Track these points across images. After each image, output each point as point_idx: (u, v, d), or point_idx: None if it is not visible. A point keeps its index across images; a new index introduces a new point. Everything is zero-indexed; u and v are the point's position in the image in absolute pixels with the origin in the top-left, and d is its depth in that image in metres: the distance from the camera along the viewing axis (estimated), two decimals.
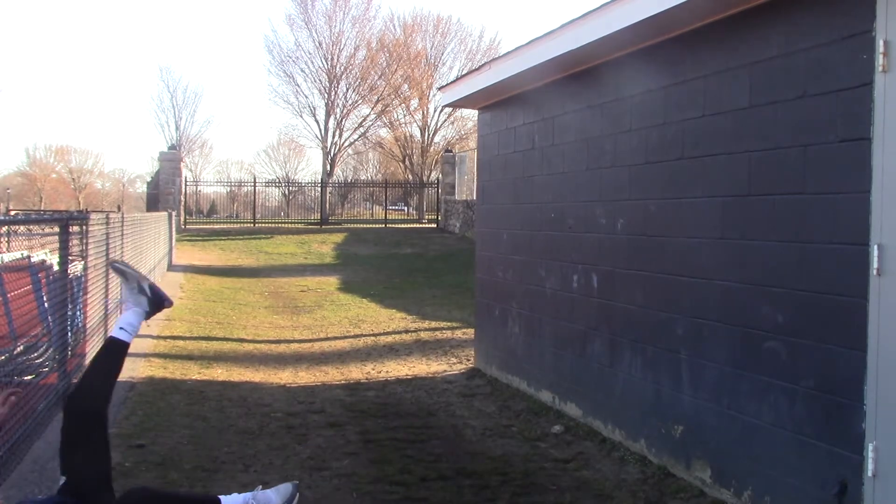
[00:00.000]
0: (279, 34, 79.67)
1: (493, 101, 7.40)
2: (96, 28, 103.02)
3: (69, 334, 6.21)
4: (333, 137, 37.68)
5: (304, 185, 38.43)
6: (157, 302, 3.38)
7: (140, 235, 12.28)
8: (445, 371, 7.89)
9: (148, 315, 3.38)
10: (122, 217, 10.11)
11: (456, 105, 8.47)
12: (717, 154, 4.26)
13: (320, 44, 36.96)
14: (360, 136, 39.29)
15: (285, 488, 3.59)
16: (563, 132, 6.06)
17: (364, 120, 38.33)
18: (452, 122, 39.59)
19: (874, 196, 3.26)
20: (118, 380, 7.13)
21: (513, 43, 58.20)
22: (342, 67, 37.01)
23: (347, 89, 37.60)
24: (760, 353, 3.91)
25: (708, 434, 4.32)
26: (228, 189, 42.02)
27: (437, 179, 32.38)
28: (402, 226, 30.30)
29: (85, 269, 7.02)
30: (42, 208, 50.73)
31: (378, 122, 38.75)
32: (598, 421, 5.51)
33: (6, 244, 6.51)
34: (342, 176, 46.48)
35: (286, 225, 30.33)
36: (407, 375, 7.63)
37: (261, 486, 3.68)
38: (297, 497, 3.58)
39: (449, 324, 11.03)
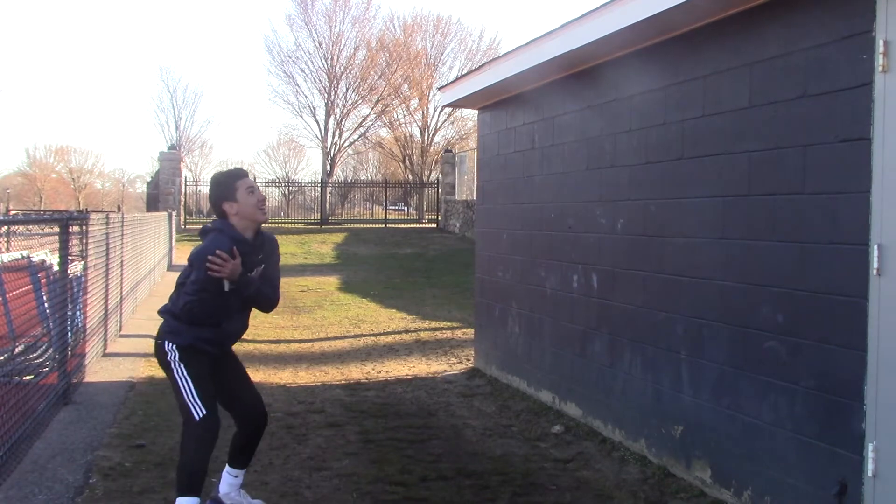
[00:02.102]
0: (279, 34, 79.82)
1: (492, 101, 7.40)
2: (96, 28, 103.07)
3: (69, 334, 6.21)
4: (333, 137, 37.70)
5: (304, 185, 38.39)
6: None
7: (140, 235, 12.29)
8: (445, 371, 7.89)
9: None
10: (122, 217, 10.12)
11: (456, 105, 8.47)
12: (717, 154, 4.25)
13: (320, 44, 37.00)
14: (360, 136, 39.31)
15: None
16: (563, 132, 6.06)
17: (364, 120, 38.36)
18: (452, 122, 39.61)
19: (874, 196, 3.26)
20: (118, 380, 7.15)
21: (513, 43, 58.23)
22: (342, 67, 37.03)
23: (347, 89, 37.63)
24: (760, 353, 3.91)
25: (708, 434, 4.32)
26: None
27: (437, 179, 32.39)
28: (402, 226, 30.29)
29: (85, 269, 7.02)
30: (42, 208, 50.75)
31: (378, 122, 38.79)
32: (598, 421, 5.50)
33: (6, 244, 6.51)
34: (342, 176, 46.50)
35: (286, 225, 30.31)
36: (407, 375, 7.63)
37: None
38: None
39: (449, 324, 11.04)
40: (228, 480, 3.87)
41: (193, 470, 3.48)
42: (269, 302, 3.77)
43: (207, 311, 3.55)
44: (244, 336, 3.95)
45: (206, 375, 3.60)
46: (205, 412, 3.48)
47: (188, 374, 3.54)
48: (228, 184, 3.65)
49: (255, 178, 4.00)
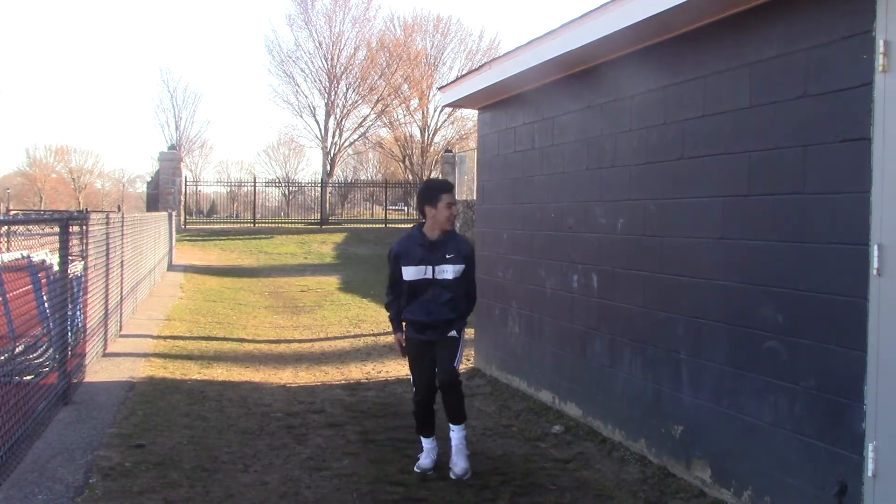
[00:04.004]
0: (279, 34, 79.84)
1: (493, 101, 7.40)
2: (96, 28, 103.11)
3: (69, 334, 6.21)
4: (333, 137, 37.70)
5: (304, 185, 38.45)
6: None
7: (140, 235, 12.28)
8: None
9: None
10: (122, 217, 10.11)
11: (456, 105, 8.47)
12: (717, 154, 4.25)
13: (320, 44, 37.00)
14: (360, 136, 39.31)
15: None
16: (563, 132, 6.06)
17: (364, 120, 38.36)
18: (452, 122, 39.62)
19: (874, 196, 3.26)
20: (118, 380, 7.16)
21: (513, 43, 58.23)
22: (342, 67, 37.03)
23: (347, 89, 37.63)
24: (760, 353, 3.91)
25: (708, 434, 4.32)
26: (228, 189, 42.02)
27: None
28: (403, 226, 30.24)
29: (85, 269, 7.02)
30: (42, 208, 50.75)
31: (378, 122, 38.79)
32: (598, 421, 5.50)
33: (6, 244, 6.51)
34: (342, 176, 46.50)
35: (286, 225, 30.33)
36: (407, 375, 7.60)
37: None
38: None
39: None
40: (451, 434, 4.74)
41: (421, 421, 4.77)
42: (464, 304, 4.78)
43: (405, 299, 4.67)
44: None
45: (420, 358, 4.71)
46: (414, 390, 4.78)
47: (409, 360, 4.82)
48: (435, 193, 4.62)
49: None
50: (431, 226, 4.61)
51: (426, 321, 4.64)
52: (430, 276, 4.59)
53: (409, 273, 4.59)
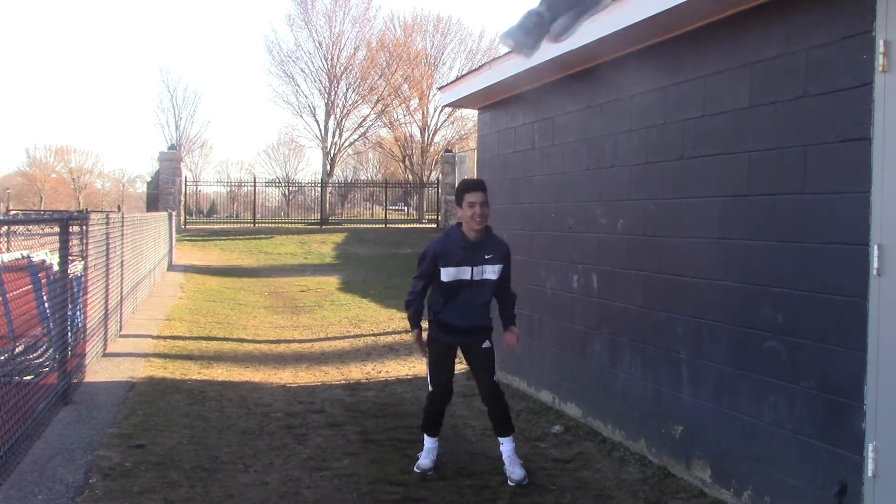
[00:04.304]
0: (279, 34, 79.88)
1: (493, 101, 7.40)
2: (96, 28, 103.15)
3: (69, 334, 6.21)
4: (333, 137, 37.71)
5: (304, 185, 38.47)
6: None
7: (140, 235, 12.28)
8: None
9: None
10: (122, 217, 10.11)
11: (456, 105, 8.47)
12: (717, 154, 4.25)
13: (320, 44, 37.02)
14: (360, 136, 39.33)
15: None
16: (563, 132, 6.06)
17: (364, 120, 38.37)
18: (452, 122, 39.61)
19: (874, 196, 3.26)
20: (118, 380, 7.16)
21: None
22: (342, 67, 37.05)
23: (347, 89, 37.65)
24: (760, 353, 3.91)
25: (708, 434, 4.32)
26: (228, 189, 42.03)
27: (437, 179, 32.40)
28: (402, 226, 30.30)
29: (85, 268, 7.02)
30: (42, 208, 50.75)
31: (378, 122, 38.81)
32: (598, 421, 5.50)
33: (6, 244, 6.50)
34: (342, 176, 46.50)
35: (286, 225, 30.33)
36: (407, 375, 7.63)
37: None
38: None
39: None
40: (501, 447, 4.65)
41: (430, 420, 4.75)
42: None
43: (434, 297, 4.61)
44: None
45: (442, 360, 4.64)
46: (431, 389, 4.72)
47: (430, 358, 4.71)
48: (460, 194, 4.53)
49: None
50: (466, 227, 4.54)
51: (462, 325, 4.58)
52: (469, 278, 4.52)
53: (449, 274, 4.49)
